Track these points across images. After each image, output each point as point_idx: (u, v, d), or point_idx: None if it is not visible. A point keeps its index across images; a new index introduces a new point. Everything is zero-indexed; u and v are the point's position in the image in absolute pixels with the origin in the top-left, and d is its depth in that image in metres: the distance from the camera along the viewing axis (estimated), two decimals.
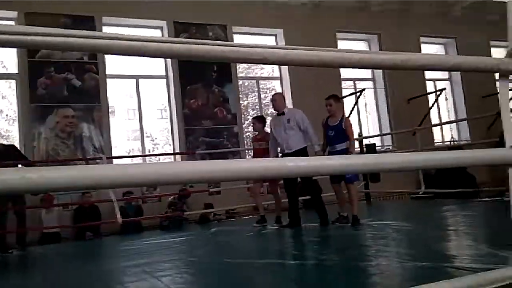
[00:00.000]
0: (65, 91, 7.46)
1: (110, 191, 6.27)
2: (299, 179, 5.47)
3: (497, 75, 1.69)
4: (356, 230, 4.56)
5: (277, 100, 5.39)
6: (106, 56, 7.76)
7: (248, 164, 1.14)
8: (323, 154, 5.10)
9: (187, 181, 1.09)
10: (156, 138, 11.51)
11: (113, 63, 8.19)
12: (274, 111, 5.55)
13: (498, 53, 11.19)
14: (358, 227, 4.68)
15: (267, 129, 5.99)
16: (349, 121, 5.19)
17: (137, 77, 8.41)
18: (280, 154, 5.43)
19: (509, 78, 1.73)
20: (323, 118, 5.19)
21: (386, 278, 2.55)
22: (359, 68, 1.39)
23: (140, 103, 8.38)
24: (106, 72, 7.93)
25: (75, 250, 5.85)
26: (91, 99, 7.62)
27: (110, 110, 8.10)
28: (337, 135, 4.96)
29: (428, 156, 1.50)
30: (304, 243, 4.40)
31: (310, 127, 5.16)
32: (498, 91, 1.63)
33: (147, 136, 9.25)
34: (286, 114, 5.26)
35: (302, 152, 5.10)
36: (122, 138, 12.05)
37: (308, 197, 6.68)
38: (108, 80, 7.94)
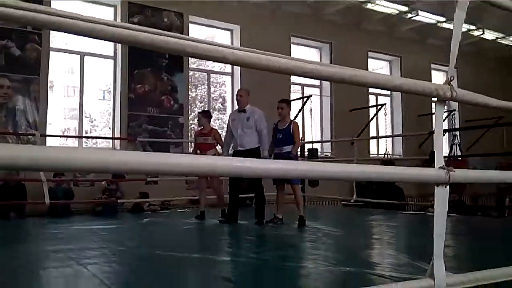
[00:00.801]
0: (2, 59, 6.96)
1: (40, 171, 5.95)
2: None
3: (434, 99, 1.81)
4: (299, 232, 4.68)
5: (243, 96, 5.37)
6: None
7: (197, 161, 1.14)
8: (269, 157, 5.17)
9: (130, 172, 1.08)
10: (95, 120, 11.03)
11: (58, 36, 7.76)
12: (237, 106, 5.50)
13: (437, 75, 11.95)
14: (303, 227, 4.81)
15: (213, 124, 5.98)
16: (297, 125, 5.34)
17: (82, 54, 8.02)
18: (232, 151, 5.48)
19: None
20: (274, 122, 5.30)
21: (311, 280, 2.65)
22: (310, 78, 1.44)
23: (82, 81, 8.00)
24: (50, 45, 7.50)
25: None
26: (30, 71, 7.16)
27: (49, 85, 7.67)
28: (284, 138, 5.10)
29: (367, 169, 1.58)
30: (238, 240, 4.44)
31: (265, 131, 5.21)
32: (434, 114, 1.75)
33: (86, 117, 8.84)
34: (247, 112, 5.28)
35: (255, 152, 5.13)
36: (59, 116, 11.43)
37: (247, 195, 6.77)
38: (51, 53, 7.52)
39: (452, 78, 1.79)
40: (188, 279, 2.82)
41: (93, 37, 1.09)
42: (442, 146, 1.82)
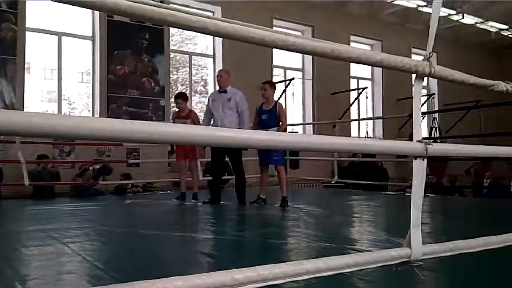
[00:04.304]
0: None
1: (18, 152, 5.85)
2: (226, 158, 5.52)
3: (413, 77, 1.84)
4: (281, 211, 4.74)
5: (223, 76, 5.35)
6: (27, 6, 7.12)
7: (178, 129, 1.15)
8: None
9: (122, 140, 1.07)
10: (74, 102, 10.84)
11: (34, 16, 7.53)
12: (218, 87, 5.46)
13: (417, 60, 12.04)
14: (285, 208, 4.87)
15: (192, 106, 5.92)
16: (283, 106, 5.42)
17: (60, 34, 7.83)
18: None
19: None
20: (257, 105, 5.30)
21: (292, 255, 2.70)
22: (293, 51, 1.44)
23: (60, 62, 7.83)
24: (26, 25, 7.28)
25: None
26: (6, 51, 6.96)
27: (26, 66, 7.48)
28: (270, 119, 5.11)
29: (350, 140, 1.62)
30: (221, 220, 4.47)
31: (246, 112, 5.23)
32: (413, 91, 1.78)
33: (64, 99, 8.67)
34: (228, 92, 5.26)
35: None
36: (36, 98, 11.18)
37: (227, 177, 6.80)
38: (28, 34, 7.31)
39: (431, 54, 1.82)
40: (170, 256, 2.84)
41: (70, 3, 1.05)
42: (420, 121, 1.86)
